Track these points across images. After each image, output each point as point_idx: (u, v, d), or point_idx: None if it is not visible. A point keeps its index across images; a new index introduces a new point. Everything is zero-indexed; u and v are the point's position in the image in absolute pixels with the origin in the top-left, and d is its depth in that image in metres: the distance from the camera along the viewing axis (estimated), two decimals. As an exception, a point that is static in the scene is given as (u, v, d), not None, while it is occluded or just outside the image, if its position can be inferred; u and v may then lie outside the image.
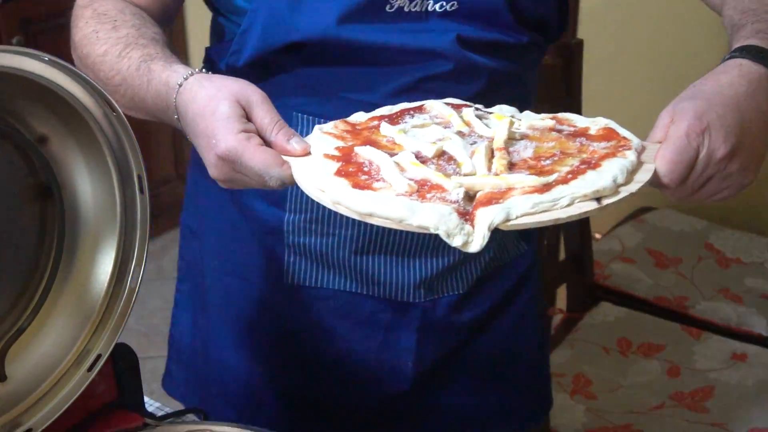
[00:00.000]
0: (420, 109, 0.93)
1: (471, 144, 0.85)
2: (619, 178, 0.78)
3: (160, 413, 1.03)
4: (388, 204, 0.75)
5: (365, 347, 1.17)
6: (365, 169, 0.81)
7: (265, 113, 0.86)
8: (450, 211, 0.75)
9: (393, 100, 0.98)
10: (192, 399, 1.29)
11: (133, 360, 0.96)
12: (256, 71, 1.04)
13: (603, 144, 0.84)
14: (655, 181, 0.81)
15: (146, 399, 1.04)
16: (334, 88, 1.04)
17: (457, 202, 0.76)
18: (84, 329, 0.89)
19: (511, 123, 0.88)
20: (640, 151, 0.83)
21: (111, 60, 0.98)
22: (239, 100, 0.87)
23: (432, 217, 0.74)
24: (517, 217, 0.74)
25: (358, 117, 0.93)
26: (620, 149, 0.82)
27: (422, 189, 0.78)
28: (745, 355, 1.86)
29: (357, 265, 1.12)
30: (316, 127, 0.90)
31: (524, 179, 0.78)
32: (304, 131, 1.03)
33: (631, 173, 0.80)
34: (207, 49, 1.16)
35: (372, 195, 0.77)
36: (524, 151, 0.84)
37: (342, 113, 0.95)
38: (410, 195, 0.77)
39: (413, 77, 1.02)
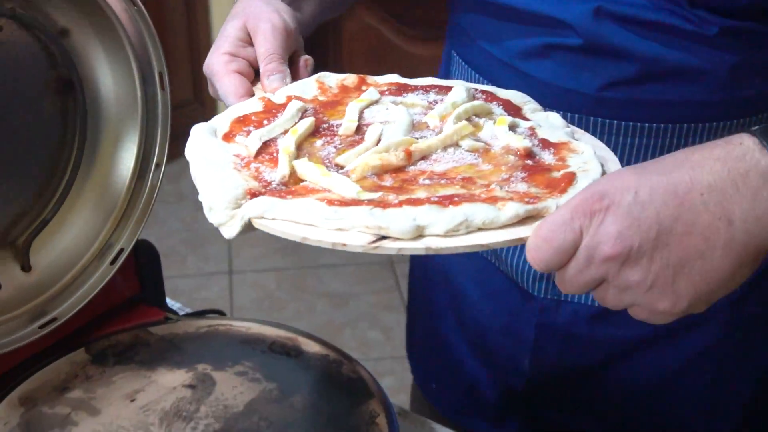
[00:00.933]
0: (448, 90, 0.81)
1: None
2: (437, 226, 0.62)
3: (182, 313, 1.05)
4: (200, 158, 0.70)
5: (492, 324, 1.06)
6: (265, 122, 0.75)
7: (263, 42, 0.82)
8: (237, 186, 0.66)
9: (522, 62, 0.90)
10: None
11: (155, 256, 0.97)
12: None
13: (526, 186, 0.67)
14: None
15: (169, 300, 1.06)
16: (473, 34, 0.96)
17: (269, 183, 0.68)
18: (106, 223, 0.91)
19: (467, 129, 0.73)
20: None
21: None
22: (247, 24, 0.84)
23: (210, 184, 0.67)
24: (273, 219, 0.64)
25: (382, 78, 0.84)
26: (526, 198, 0.65)
27: (261, 157, 0.71)
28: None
29: None
30: (324, 73, 0.83)
31: (341, 185, 0.67)
32: (456, 72, 1.00)
33: (486, 228, 0.63)
34: None
35: (206, 145, 0.71)
36: (444, 163, 0.70)
37: (480, 61, 0.92)
38: (242, 159, 0.71)
39: (539, 43, 0.89)
